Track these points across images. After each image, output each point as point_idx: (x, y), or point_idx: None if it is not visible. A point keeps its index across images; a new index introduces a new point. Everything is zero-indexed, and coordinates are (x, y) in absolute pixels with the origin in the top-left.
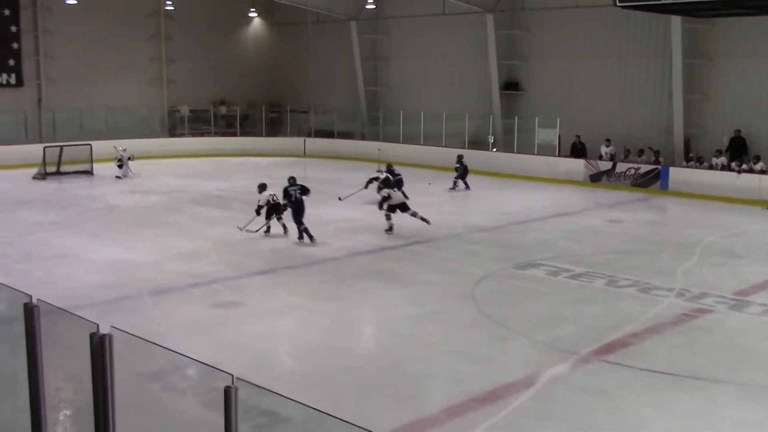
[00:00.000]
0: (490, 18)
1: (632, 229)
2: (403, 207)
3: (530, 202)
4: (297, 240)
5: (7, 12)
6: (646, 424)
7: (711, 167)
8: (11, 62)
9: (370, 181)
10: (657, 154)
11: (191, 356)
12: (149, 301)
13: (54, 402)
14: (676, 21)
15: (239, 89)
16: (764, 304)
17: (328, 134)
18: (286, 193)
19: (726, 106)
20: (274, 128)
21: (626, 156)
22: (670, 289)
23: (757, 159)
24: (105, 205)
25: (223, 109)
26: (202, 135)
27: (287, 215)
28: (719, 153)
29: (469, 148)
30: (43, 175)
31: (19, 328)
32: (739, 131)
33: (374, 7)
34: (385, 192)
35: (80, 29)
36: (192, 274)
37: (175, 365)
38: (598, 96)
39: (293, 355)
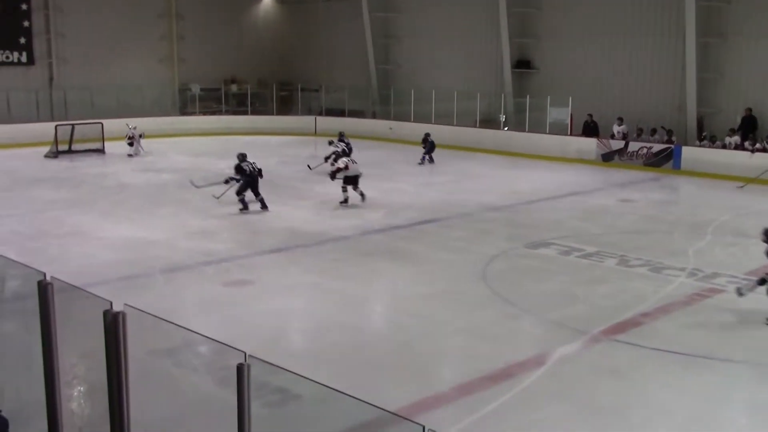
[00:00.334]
0: None
1: (644, 209)
2: (356, 181)
3: (542, 181)
4: (260, 209)
5: None
6: (657, 403)
7: (724, 146)
8: (22, 40)
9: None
10: (670, 133)
11: (203, 334)
12: (161, 278)
13: (68, 378)
14: None
15: (250, 68)
16: None
17: (339, 113)
18: (240, 168)
19: (740, 85)
20: (285, 107)
21: (638, 135)
22: (682, 269)
23: None
24: (117, 183)
25: (233, 88)
26: (213, 113)
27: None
28: (732, 132)
29: (481, 126)
30: (55, 154)
31: (33, 304)
32: (750, 110)
33: None
34: (342, 162)
35: (91, 7)
36: (204, 252)
37: (188, 343)
38: (611, 75)
39: (304, 333)
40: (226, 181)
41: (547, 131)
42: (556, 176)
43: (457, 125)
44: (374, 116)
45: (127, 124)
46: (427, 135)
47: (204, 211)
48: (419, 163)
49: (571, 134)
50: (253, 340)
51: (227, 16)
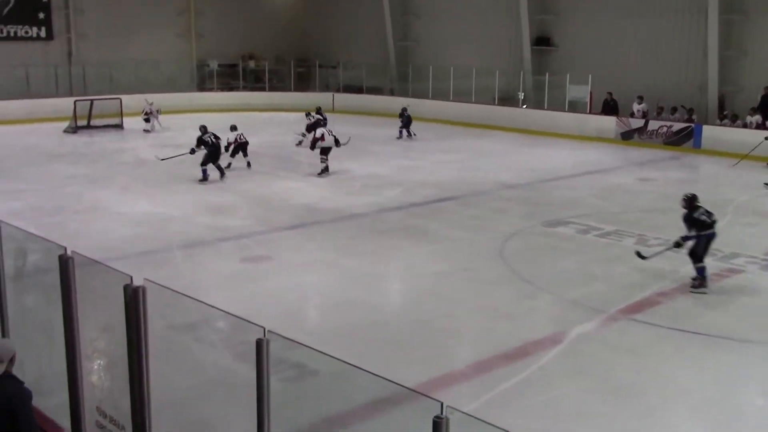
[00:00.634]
0: None
1: (663, 188)
2: (329, 151)
3: (560, 159)
4: (219, 179)
5: None
6: (674, 382)
7: (745, 125)
8: (41, 15)
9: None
10: (690, 111)
11: (223, 309)
12: (179, 254)
13: (88, 352)
14: None
15: (268, 44)
16: None
17: (357, 89)
18: (202, 140)
19: (763, 62)
20: (303, 83)
21: (659, 113)
22: None
23: None
24: (135, 158)
25: (251, 64)
26: (230, 90)
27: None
28: (753, 111)
29: (499, 104)
30: (74, 129)
31: (54, 278)
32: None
33: None
34: (319, 132)
35: None
36: (221, 228)
37: (206, 317)
38: (632, 52)
39: (321, 310)
40: (192, 152)
41: (566, 109)
42: (575, 155)
43: (475, 102)
44: (392, 93)
45: (145, 100)
46: (404, 109)
47: (222, 187)
48: (397, 138)
49: (590, 112)
50: (270, 316)
51: None
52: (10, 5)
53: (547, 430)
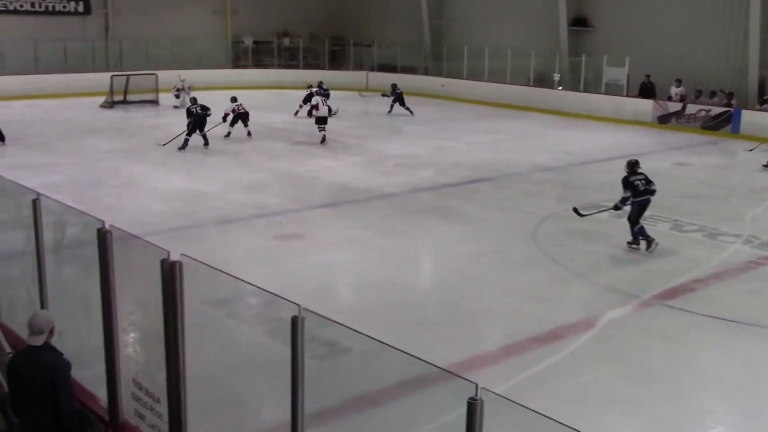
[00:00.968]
0: None
1: (700, 173)
2: (323, 120)
3: (595, 142)
4: (204, 146)
5: None
6: (707, 369)
7: None
8: None
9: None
10: (729, 96)
11: (258, 285)
12: (213, 230)
13: (124, 324)
14: None
15: (302, 21)
16: None
17: (391, 68)
18: (190, 112)
19: None
20: (337, 62)
21: (697, 97)
22: (738, 236)
23: None
24: (170, 134)
25: (286, 41)
26: (265, 67)
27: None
28: None
29: (534, 85)
30: (110, 104)
31: (92, 252)
32: None
33: None
34: (314, 100)
35: None
36: (255, 206)
37: (240, 293)
38: (670, 34)
39: (352, 289)
40: (188, 132)
41: (603, 91)
42: (610, 138)
43: (510, 83)
44: (426, 72)
45: (179, 76)
46: (394, 86)
47: (255, 164)
48: (388, 112)
49: (627, 95)
50: (302, 293)
51: None
52: None
53: (578, 414)
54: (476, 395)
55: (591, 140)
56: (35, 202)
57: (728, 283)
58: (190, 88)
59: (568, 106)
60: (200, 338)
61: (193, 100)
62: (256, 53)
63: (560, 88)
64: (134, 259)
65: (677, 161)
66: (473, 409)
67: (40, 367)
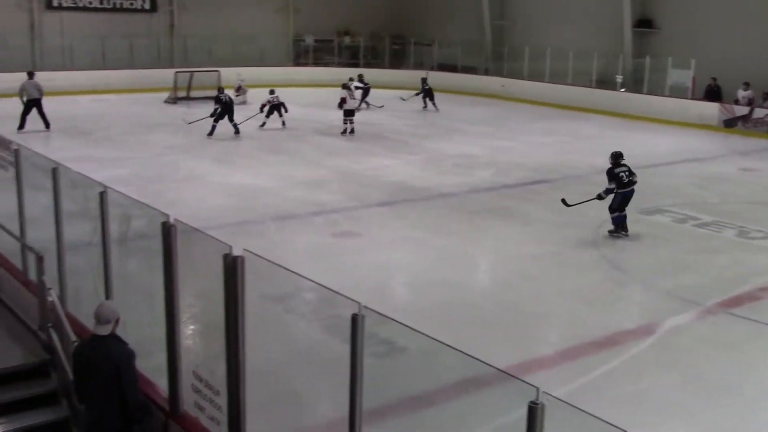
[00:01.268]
0: None
1: (766, 179)
2: (351, 113)
3: (658, 145)
4: (234, 134)
5: None
6: None
7: None
8: None
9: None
10: None
11: (318, 282)
12: (272, 226)
13: (184, 317)
14: None
15: (363, 20)
16: None
17: (451, 68)
18: (218, 99)
19: None
20: (397, 60)
21: (765, 101)
22: None
23: None
24: (231, 130)
25: (347, 40)
26: (325, 65)
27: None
28: None
29: (596, 87)
30: (173, 100)
31: (156, 244)
32: None
33: None
34: (344, 93)
35: None
36: (313, 203)
37: (299, 289)
38: (738, 36)
39: (409, 288)
40: (212, 114)
41: (667, 94)
42: (674, 141)
43: (571, 84)
44: (487, 73)
45: (238, 74)
46: (424, 80)
47: (314, 161)
48: (423, 108)
49: (692, 98)
50: (358, 291)
51: None
52: None
53: (636, 422)
54: (537, 399)
55: (654, 143)
56: (102, 195)
57: None
58: (245, 87)
59: (631, 108)
60: (259, 332)
61: (220, 89)
62: (317, 51)
63: (623, 90)
64: (196, 252)
65: (743, 166)
66: (534, 414)
67: (105, 357)
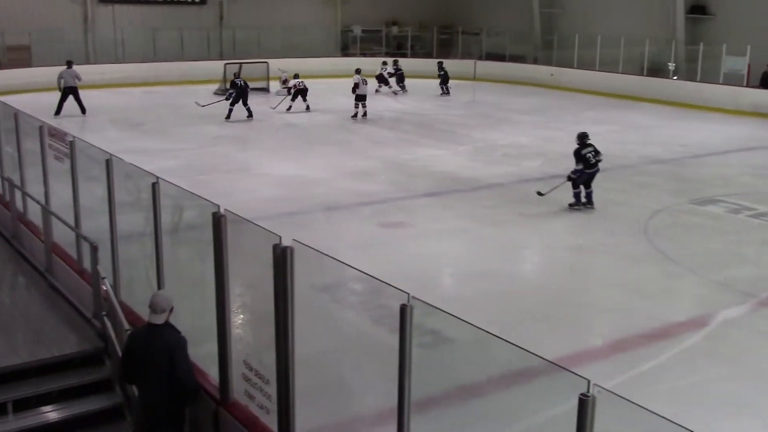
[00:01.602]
0: None
1: None
2: (363, 98)
3: (712, 134)
4: (246, 117)
5: None
6: None
7: None
8: None
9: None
10: None
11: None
12: (321, 216)
13: (234, 306)
14: None
15: (411, 10)
16: None
17: (499, 57)
18: (234, 84)
19: None
20: (445, 50)
21: None
22: None
23: None
24: (280, 121)
25: (394, 30)
26: (373, 55)
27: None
28: None
29: (648, 75)
30: (223, 91)
31: (206, 235)
32: None
33: None
34: (356, 78)
35: None
36: (361, 193)
37: (346, 280)
38: None
39: (456, 278)
40: (227, 97)
41: (721, 81)
42: (728, 130)
43: (622, 73)
44: (535, 62)
45: (278, 68)
46: (441, 63)
47: (362, 152)
48: (442, 94)
49: (747, 86)
50: (405, 281)
51: None
52: None
53: (689, 416)
54: (588, 391)
55: (707, 132)
56: (154, 186)
57: None
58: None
59: (684, 96)
60: (307, 322)
61: (235, 74)
62: (365, 41)
63: (675, 77)
64: (246, 242)
65: None
66: (585, 406)
67: (160, 344)
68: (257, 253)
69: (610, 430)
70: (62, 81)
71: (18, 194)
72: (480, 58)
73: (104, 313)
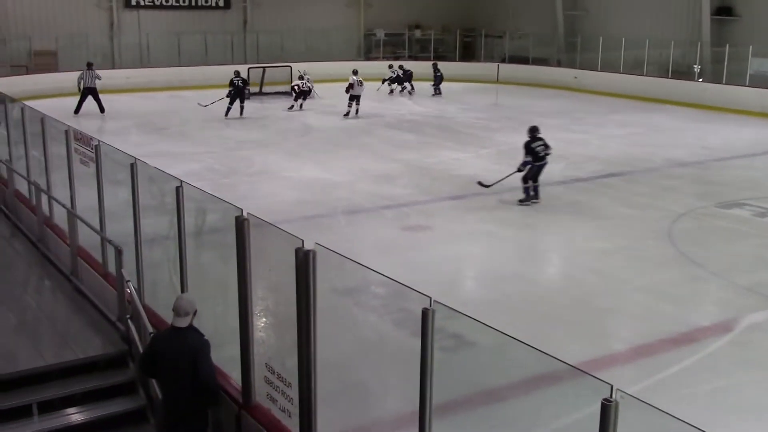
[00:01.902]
0: None
1: None
2: (356, 99)
3: (738, 137)
4: (239, 116)
5: None
6: None
7: None
8: None
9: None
10: None
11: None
12: (343, 220)
13: (257, 310)
14: None
15: (434, 13)
16: None
17: (523, 60)
18: (232, 83)
19: None
20: (468, 53)
21: None
22: None
23: None
24: (302, 125)
25: (417, 33)
26: (396, 59)
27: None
28: None
29: (673, 77)
30: (247, 95)
31: (229, 238)
32: None
33: None
34: (351, 79)
35: None
36: (383, 196)
37: (368, 283)
38: None
39: (479, 282)
40: (227, 95)
41: (747, 84)
42: (755, 132)
43: (647, 75)
44: (559, 64)
45: (299, 72)
46: (435, 65)
47: (385, 155)
48: (434, 95)
49: None
50: (428, 285)
51: None
52: None
53: (713, 421)
54: (611, 396)
55: (733, 135)
56: (178, 190)
57: None
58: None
59: (709, 98)
60: (329, 325)
61: (236, 73)
62: (388, 45)
63: (701, 80)
64: (268, 246)
65: None
66: (607, 411)
67: (184, 347)
68: (280, 256)
69: None
70: (82, 82)
71: (44, 198)
72: (503, 61)
73: (128, 316)
